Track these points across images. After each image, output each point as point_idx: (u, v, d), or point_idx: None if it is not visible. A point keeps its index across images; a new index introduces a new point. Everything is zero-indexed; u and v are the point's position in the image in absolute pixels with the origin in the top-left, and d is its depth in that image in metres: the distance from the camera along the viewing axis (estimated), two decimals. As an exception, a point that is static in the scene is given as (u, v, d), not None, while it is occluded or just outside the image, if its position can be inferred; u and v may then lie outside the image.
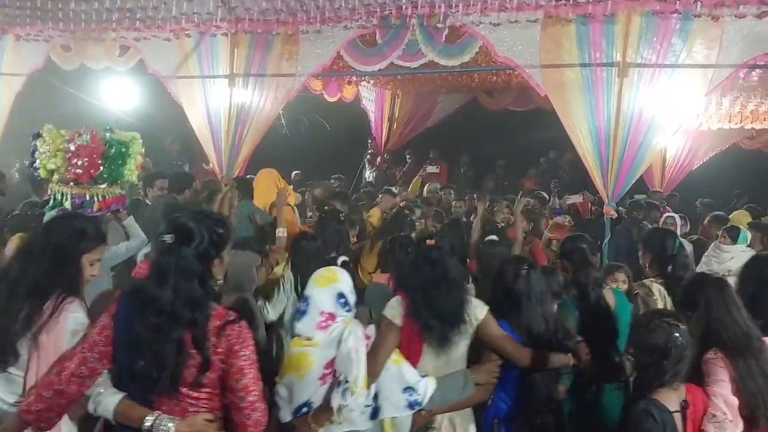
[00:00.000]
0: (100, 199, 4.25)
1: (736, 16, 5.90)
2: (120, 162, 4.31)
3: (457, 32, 6.96)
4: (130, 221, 4.66)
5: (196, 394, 2.50)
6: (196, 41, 8.02)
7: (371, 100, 13.31)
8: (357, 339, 3.01)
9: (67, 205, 4.16)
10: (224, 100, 8.07)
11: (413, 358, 3.32)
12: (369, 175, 13.35)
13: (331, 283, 3.12)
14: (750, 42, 5.94)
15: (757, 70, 7.49)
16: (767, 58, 6.01)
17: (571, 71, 6.51)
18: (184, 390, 2.49)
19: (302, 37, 7.55)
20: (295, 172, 11.32)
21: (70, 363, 2.51)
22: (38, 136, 4.25)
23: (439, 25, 6.81)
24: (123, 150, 4.31)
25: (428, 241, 3.78)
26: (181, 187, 6.84)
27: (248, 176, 7.76)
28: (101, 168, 4.20)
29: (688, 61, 6.19)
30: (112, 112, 9.25)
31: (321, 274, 3.20)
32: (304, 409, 3.00)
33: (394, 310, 3.38)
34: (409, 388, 3.17)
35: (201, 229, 2.53)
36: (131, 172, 4.43)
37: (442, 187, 9.44)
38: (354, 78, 11.58)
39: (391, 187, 9.78)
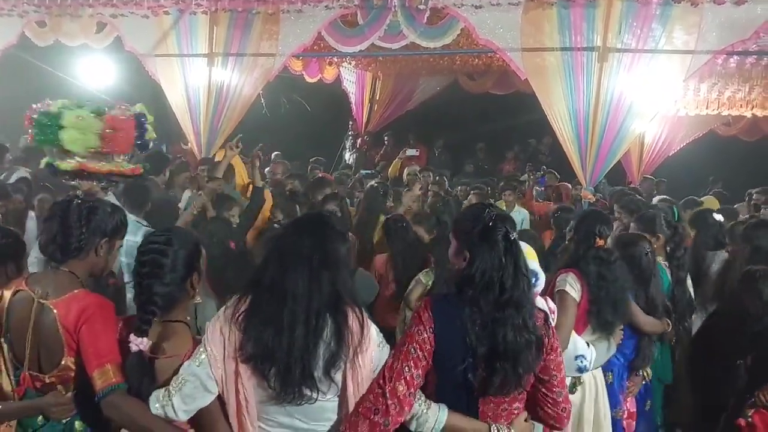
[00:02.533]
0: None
1: (715, 3, 5.96)
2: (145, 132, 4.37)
3: (439, 14, 6.95)
4: None
5: (520, 396, 2.45)
6: (174, 19, 7.91)
7: (352, 81, 13.23)
8: None
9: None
10: (203, 80, 7.99)
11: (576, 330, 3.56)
12: (349, 157, 13.30)
13: (532, 258, 3.07)
14: (728, 29, 6.00)
15: (735, 57, 7.55)
16: (745, 44, 6.07)
17: (552, 55, 6.54)
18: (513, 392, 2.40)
19: (283, 16, 7.48)
20: (274, 153, 11.25)
21: (398, 383, 2.26)
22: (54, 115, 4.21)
23: (421, 7, 6.79)
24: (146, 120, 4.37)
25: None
26: (157, 168, 6.70)
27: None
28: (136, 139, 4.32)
29: (667, 47, 6.24)
30: (88, 90, 9.10)
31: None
32: None
33: (573, 287, 3.57)
34: (580, 356, 3.41)
35: None
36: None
37: (420, 170, 9.42)
38: (335, 59, 11.51)
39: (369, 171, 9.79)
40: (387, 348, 2.40)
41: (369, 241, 5.80)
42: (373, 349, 2.35)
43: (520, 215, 7.17)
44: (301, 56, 9.41)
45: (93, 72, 9.13)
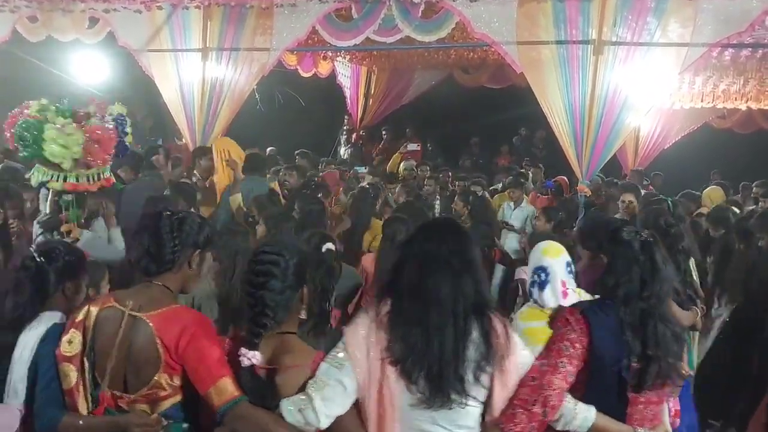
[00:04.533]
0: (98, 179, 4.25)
1: (710, -5, 5.95)
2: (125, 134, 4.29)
3: (434, 8, 6.91)
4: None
5: (665, 397, 2.57)
6: (167, 13, 7.85)
7: (347, 76, 13.20)
8: None
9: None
10: (197, 75, 7.94)
11: None
12: (344, 151, 13.28)
13: (561, 253, 3.17)
14: (723, 21, 5.98)
15: (730, 50, 7.55)
16: (740, 37, 6.06)
17: (547, 48, 6.52)
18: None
19: (277, 10, 7.43)
20: (269, 149, 11.22)
21: (554, 376, 2.35)
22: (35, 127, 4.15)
23: (416, 1, 6.74)
24: (125, 121, 4.30)
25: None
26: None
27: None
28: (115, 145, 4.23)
29: (663, 40, 6.22)
30: (81, 86, 9.05)
31: (550, 245, 3.24)
32: None
33: None
34: None
35: None
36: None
37: (417, 165, 9.42)
38: (329, 53, 11.47)
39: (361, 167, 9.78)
40: (530, 352, 2.42)
41: (357, 243, 5.72)
42: (519, 353, 2.34)
43: (525, 212, 7.18)
44: (295, 51, 9.36)
45: (86, 67, 9.07)
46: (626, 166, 11.89)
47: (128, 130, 4.35)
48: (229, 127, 8.19)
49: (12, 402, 2.58)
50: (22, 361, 2.58)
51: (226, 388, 2.27)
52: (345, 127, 13.57)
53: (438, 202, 7.61)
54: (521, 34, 6.56)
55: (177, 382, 2.38)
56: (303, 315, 2.51)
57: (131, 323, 2.39)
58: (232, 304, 3.73)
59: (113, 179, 4.49)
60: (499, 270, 6.49)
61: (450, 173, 9.19)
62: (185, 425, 2.43)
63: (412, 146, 12.29)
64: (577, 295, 3.07)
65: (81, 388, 2.44)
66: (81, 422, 2.42)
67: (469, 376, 2.21)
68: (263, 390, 2.29)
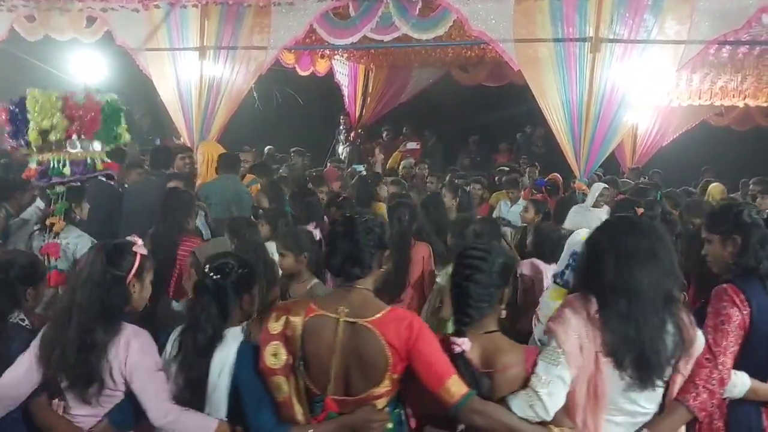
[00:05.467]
0: (100, 161, 4.19)
1: (707, -8, 5.96)
2: (115, 122, 4.21)
3: (431, 5, 6.93)
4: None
5: None
6: (165, 12, 7.87)
7: (344, 74, 13.19)
8: None
9: (67, 171, 4.05)
10: (195, 73, 7.95)
11: None
12: (342, 150, 13.27)
13: None
14: (720, 18, 6.00)
15: (727, 47, 7.55)
16: (737, 34, 6.07)
17: (545, 46, 6.53)
18: None
19: (274, 9, 7.45)
20: (267, 147, 11.23)
21: (725, 357, 2.61)
22: (20, 102, 4.10)
23: (413, -1, 6.77)
24: (116, 109, 4.21)
25: None
26: (164, 163, 6.60)
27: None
28: (100, 126, 4.10)
29: (660, 37, 6.24)
30: (79, 85, 9.03)
31: (584, 233, 3.46)
32: None
33: None
34: None
35: None
36: (122, 134, 4.30)
37: (416, 163, 9.42)
38: (327, 52, 11.47)
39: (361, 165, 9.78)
40: (702, 336, 2.58)
41: None
42: (699, 339, 2.53)
43: (521, 209, 7.17)
44: (293, 49, 9.37)
45: (84, 66, 9.06)
46: (624, 164, 11.90)
47: (121, 120, 4.29)
48: (227, 126, 8.19)
49: (217, 415, 2.61)
50: (222, 384, 2.58)
51: (458, 384, 2.34)
52: (341, 126, 13.56)
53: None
54: (518, 32, 6.57)
55: (397, 378, 2.44)
56: (503, 314, 2.62)
57: (350, 330, 2.42)
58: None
59: (116, 164, 4.50)
60: None
61: (457, 173, 9.14)
62: (397, 410, 2.53)
63: (412, 144, 12.28)
64: None
65: (295, 397, 2.49)
66: (311, 430, 2.47)
67: (666, 361, 2.43)
68: (476, 382, 2.40)
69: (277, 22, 7.49)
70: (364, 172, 9.17)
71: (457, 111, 13.62)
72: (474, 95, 13.12)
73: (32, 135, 4.01)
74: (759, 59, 8.63)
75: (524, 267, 4.68)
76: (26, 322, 3.00)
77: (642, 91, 6.48)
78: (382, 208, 6.09)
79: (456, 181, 8.11)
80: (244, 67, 7.85)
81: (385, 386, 2.42)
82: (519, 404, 2.35)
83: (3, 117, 4.15)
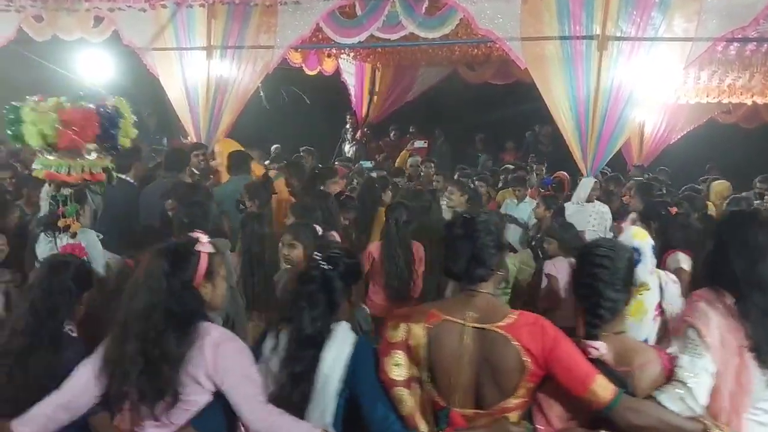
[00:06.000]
0: (82, 171, 4.15)
1: (714, -10, 5.93)
2: (115, 127, 4.15)
3: (437, 4, 6.92)
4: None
5: None
6: (172, 12, 7.88)
7: (351, 73, 13.19)
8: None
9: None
10: (202, 73, 7.97)
11: None
12: (348, 149, 13.28)
13: (647, 237, 3.69)
14: (728, 16, 5.96)
15: (735, 44, 7.53)
16: (744, 31, 6.05)
17: (551, 44, 6.51)
18: None
19: (281, 8, 7.45)
20: (274, 146, 11.24)
21: None
22: (16, 108, 4.12)
23: (419, -3, 6.76)
24: (116, 114, 4.14)
25: None
26: (179, 166, 6.39)
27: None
28: (97, 133, 4.08)
29: (667, 35, 6.21)
30: (86, 85, 9.07)
31: (638, 230, 3.80)
32: None
33: None
34: None
35: None
36: (125, 138, 4.26)
37: (422, 161, 9.41)
38: (334, 51, 11.48)
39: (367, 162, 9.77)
40: None
41: (365, 232, 5.78)
42: None
43: (529, 207, 7.17)
44: (299, 48, 9.38)
45: (91, 66, 9.10)
46: (631, 162, 11.86)
47: (120, 124, 4.24)
48: (234, 125, 8.21)
49: (318, 422, 2.45)
50: (333, 382, 2.44)
51: (605, 384, 2.28)
52: (348, 125, 13.57)
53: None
54: (525, 30, 6.55)
55: (532, 387, 2.35)
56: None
57: (479, 336, 2.32)
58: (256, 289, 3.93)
59: (102, 175, 4.42)
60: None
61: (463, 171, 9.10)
62: (531, 426, 2.40)
63: (419, 143, 12.26)
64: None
65: (419, 411, 2.38)
66: None
67: None
68: (618, 381, 2.34)
69: (283, 21, 7.49)
70: (372, 169, 9.17)
71: (464, 109, 13.61)
72: (480, 94, 13.10)
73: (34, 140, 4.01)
74: (767, 56, 8.59)
75: (553, 267, 4.72)
76: (74, 332, 2.87)
77: (649, 89, 6.45)
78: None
79: (461, 178, 8.12)
80: (250, 67, 7.85)
81: (519, 397, 2.32)
82: (668, 398, 2.30)
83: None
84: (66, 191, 4.22)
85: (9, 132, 4.05)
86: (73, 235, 4.24)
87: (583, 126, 6.54)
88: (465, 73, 12.83)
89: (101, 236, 4.42)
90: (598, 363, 2.34)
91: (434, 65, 12.91)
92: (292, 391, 2.45)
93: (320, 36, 8.24)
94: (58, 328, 2.66)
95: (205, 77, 7.95)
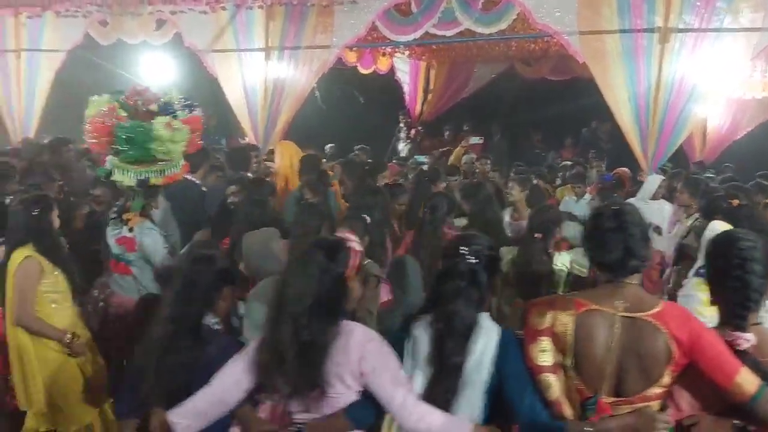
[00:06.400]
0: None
1: (784, -23, 5.73)
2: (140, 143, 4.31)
3: (494, -1, 6.89)
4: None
5: None
6: (231, 14, 8.03)
7: (405, 71, 13.21)
8: None
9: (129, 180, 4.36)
10: (260, 74, 8.10)
11: None
12: (402, 147, 13.29)
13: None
14: (798, 4, 5.76)
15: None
16: (816, 21, 5.82)
17: (611, 38, 6.39)
18: None
19: (337, 8, 7.53)
20: (329, 146, 11.34)
21: None
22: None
23: (476, -8, 6.74)
24: (137, 131, 4.29)
25: None
26: (243, 165, 6.67)
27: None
28: (114, 141, 4.27)
29: (733, 26, 6.03)
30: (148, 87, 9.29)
31: (721, 223, 3.92)
32: None
33: None
34: None
35: None
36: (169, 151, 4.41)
37: (478, 158, 9.35)
38: (389, 49, 11.53)
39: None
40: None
41: (413, 226, 5.77)
42: None
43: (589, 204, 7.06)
44: (354, 47, 9.44)
45: (153, 69, 9.35)
46: (693, 158, 11.53)
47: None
48: (290, 125, 8.31)
49: (466, 417, 2.48)
50: (482, 375, 2.47)
51: (749, 377, 2.27)
52: (401, 124, 13.58)
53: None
54: (583, 24, 6.46)
55: (675, 376, 2.36)
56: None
57: (628, 325, 2.34)
58: None
59: (179, 175, 4.62)
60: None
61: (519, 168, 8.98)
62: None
63: (475, 139, 12.15)
64: None
65: (565, 398, 2.40)
66: (589, 428, 2.35)
67: None
68: (763, 373, 2.32)
69: (339, 20, 7.57)
70: (426, 164, 9.16)
71: (520, 106, 13.47)
72: (537, 90, 12.95)
73: None
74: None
75: None
76: (219, 326, 2.93)
77: (713, 83, 6.27)
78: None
79: (516, 175, 8.03)
80: (307, 67, 7.95)
81: (662, 386, 2.33)
82: None
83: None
84: (136, 187, 4.45)
85: (131, 153, 4.29)
86: (131, 230, 4.44)
87: (643, 121, 6.41)
88: (522, 69, 12.72)
89: (165, 233, 4.59)
90: (742, 354, 2.32)
91: (490, 62, 12.82)
92: (439, 386, 2.49)
93: (375, 35, 8.29)
94: (198, 320, 2.71)
95: (263, 78, 8.08)
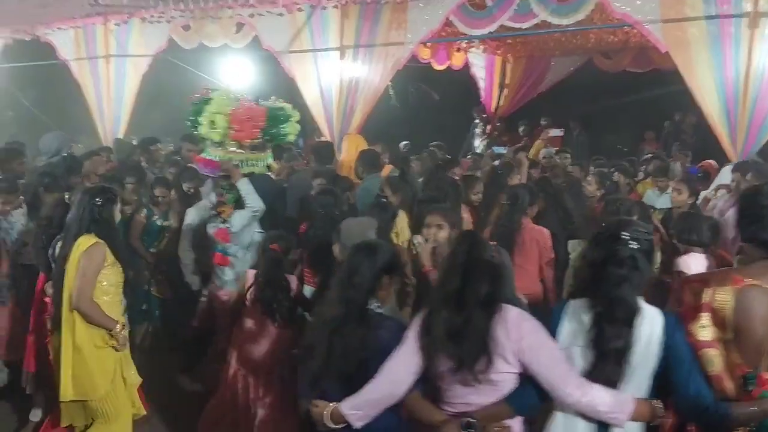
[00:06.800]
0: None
1: None
2: (281, 124, 4.84)
3: (571, -11, 6.73)
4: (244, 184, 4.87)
5: None
6: (307, 14, 8.16)
7: (481, 66, 13.09)
8: None
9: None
10: (335, 73, 8.19)
11: None
12: (478, 143, 13.18)
13: None
14: None
15: None
16: None
17: (695, 26, 6.15)
18: None
19: (411, 4, 7.53)
20: (403, 143, 11.36)
21: None
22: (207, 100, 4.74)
23: (552, -17, 6.61)
24: (281, 113, 4.85)
25: None
26: (328, 159, 7.04)
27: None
28: (262, 130, 4.75)
29: (830, 8, 5.70)
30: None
31: None
32: None
33: None
34: None
35: None
36: (292, 134, 4.96)
37: (557, 152, 9.16)
38: (463, 44, 11.45)
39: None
40: None
41: (485, 220, 5.74)
42: None
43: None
44: (429, 42, 9.39)
45: (233, 71, 9.59)
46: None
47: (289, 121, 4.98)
48: (364, 123, 8.37)
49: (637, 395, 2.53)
50: (650, 358, 2.50)
51: None
52: (478, 119, 13.46)
53: None
54: (665, 12, 6.23)
55: None
56: None
57: None
58: None
59: (263, 168, 5.01)
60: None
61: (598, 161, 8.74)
62: None
63: (555, 132, 11.90)
64: None
65: (726, 373, 2.43)
66: (755, 408, 2.38)
67: None
68: None
69: (413, 16, 7.57)
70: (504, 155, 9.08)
71: (598, 100, 13.12)
72: (618, 82, 12.60)
73: (203, 129, 4.92)
74: None
75: (683, 264, 4.25)
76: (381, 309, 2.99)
77: (808, 69, 5.94)
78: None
79: (596, 169, 7.83)
80: (381, 64, 7.98)
81: None
82: None
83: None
84: (225, 183, 4.73)
85: (189, 122, 4.80)
86: (224, 221, 4.78)
87: (731, 112, 6.14)
88: (600, 61, 12.42)
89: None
90: None
91: (567, 55, 12.55)
92: (601, 371, 2.50)
93: (450, 30, 8.24)
94: (364, 306, 2.81)
95: (338, 77, 8.17)
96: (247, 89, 9.54)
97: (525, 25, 7.10)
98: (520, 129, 13.14)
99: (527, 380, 2.57)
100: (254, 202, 4.79)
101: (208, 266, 5.08)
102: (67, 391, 3.85)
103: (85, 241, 3.85)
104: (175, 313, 5.96)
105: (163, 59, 9.52)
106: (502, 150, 10.45)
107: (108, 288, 3.94)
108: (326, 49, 8.19)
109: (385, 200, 5.26)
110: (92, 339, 3.88)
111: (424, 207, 4.62)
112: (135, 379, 4.17)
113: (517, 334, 2.52)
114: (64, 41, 10.00)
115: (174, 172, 6.78)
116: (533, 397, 2.58)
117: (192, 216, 5.28)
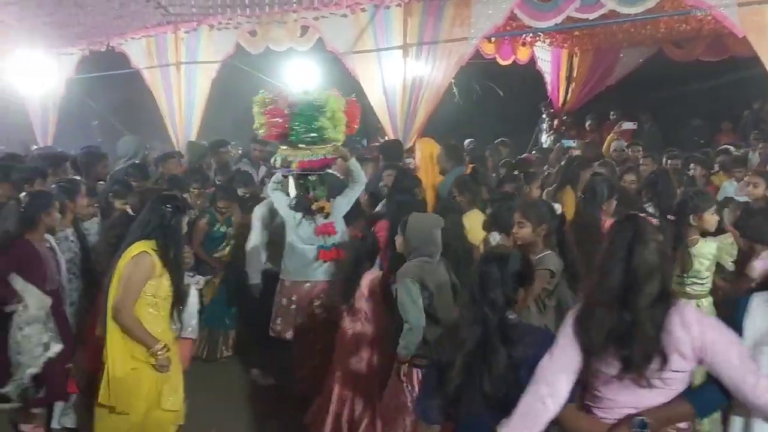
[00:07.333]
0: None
1: None
2: (310, 121, 4.79)
3: (638, -24, 6.53)
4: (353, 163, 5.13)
5: None
6: (371, 15, 8.19)
7: (547, 60, 12.84)
8: None
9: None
10: (399, 72, 8.18)
11: None
12: (546, 139, 12.95)
13: None
14: None
15: None
16: None
17: (775, 8, 5.89)
18: None
19: (474, -1, 7.46)
20: (468, 140, 11.27)
21: None
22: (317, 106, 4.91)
23: (620, -30, 6.43)
24: (312, 110, 4.79)
25: None
26: (397, 157, 7.18)
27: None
28: (287, 127, 4.79)
29: None
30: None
31: None
32: None
33: None
34: None
35: None
36: (334, 130, 4.91)
37: (629, 145, 8.90)
38: (528, 39, 11.27)
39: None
40: None
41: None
42: None
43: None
44: (493, 37, 9.27)
45: (299, 74, 9.72)
46: None
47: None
48: (428, 121, 8.34)
49: None
50: None
51: None
52: (544, 115, 13.22)
53: None
54: (742, -5, 5.99)
55: None
56: None
57: None
58: None
59: (334, 159, 5.16)
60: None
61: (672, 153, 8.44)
62: None
63: (628, 124, 11.51)
64: None
65: None
66: None
67: None
68: None
69: (477, 11, 7.49)
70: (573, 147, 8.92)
71: (671, 91, 12.73)
72: (688, 72, 12.20)
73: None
74: None
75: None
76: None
77: None
78: (571, 195, 5.82)
79: (669, 162, 7.57)
80: (445, 62, 7.93)
81: None
82: None
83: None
84: (312, 179, 4.80)
85: (299, 127, 4.87)
86: (326, 216, 4.90)
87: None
88: (671, 51, 12.01)
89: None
90: None
91: (637, 45, 12.19)
92: None
93: (514, 24, 8.13)
94: (502, 319, 2.60)
95: (401, 76, 8.16)
96: (312, 91, 9.73)
97: (592, 16, 6.94)
98: (587, 123, 12.83)
99: (709, 377, 2.36)
100: (362, 177, 5.11)
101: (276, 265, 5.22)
102: (105, 392, 3.70)
103: (136, 248, 3.71)
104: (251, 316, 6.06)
105: (231, 65, 9.74)
106: (571, 143, 10.23)
107: (154, 300, 3.76)
108: (389, 48, 8.20)
109: (454, 199, 5.28)
110: (131, 351, 3.71)
111: (496, 206, 4.63)
112: (174, 406, 3.88)
113: (699, 329, 2.31)
114: (137, 50, 10.34)
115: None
116: (718, 396, 2.35)
117: (262, 212, 5.44)
